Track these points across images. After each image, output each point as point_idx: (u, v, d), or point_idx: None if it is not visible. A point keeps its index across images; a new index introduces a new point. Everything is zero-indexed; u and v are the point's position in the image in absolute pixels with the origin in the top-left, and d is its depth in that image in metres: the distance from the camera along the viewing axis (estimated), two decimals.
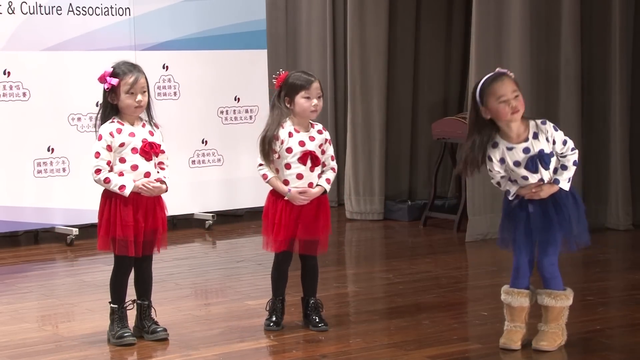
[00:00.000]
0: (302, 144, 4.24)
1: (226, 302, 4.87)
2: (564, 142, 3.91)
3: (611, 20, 6.72)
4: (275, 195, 4.29)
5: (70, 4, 6.60)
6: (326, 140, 4.34)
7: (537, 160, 3.84)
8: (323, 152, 4.32)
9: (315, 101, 4.22)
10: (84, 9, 6.64)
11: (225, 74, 7.16)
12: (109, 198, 4.10)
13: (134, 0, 6.82)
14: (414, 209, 7.36)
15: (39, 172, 6.54)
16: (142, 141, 4.11)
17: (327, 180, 4.36)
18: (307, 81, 4.25)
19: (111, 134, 4.07)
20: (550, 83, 6.62)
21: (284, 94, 4.28)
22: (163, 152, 4.20)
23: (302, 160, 4.23)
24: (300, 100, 4.22)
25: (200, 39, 7.11)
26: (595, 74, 6.78)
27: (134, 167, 4.09)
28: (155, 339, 4.17)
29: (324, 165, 4.35)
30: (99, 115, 4.16)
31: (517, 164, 3.87)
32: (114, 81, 4.05)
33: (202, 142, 7.18)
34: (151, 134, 4.17)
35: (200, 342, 4.23)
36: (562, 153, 3.90)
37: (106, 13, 6.73)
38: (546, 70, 6.60)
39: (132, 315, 4.24)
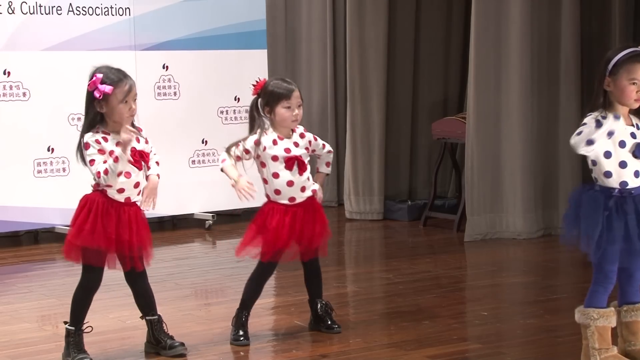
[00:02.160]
0: (287, 150, 4.17)
1: (226, 302, 4.87)
2: None
3: (611, 19, 6.73)
4: (269, 206, 4.19)
5: (70, 4, 6.60)
6: (310, 142, 4.27)
7: None
8: (313, 151, 4.29)
9: (296, 111, 4.17)
10: (84, 8, 6.64)
11: (225, 74, 7.16)
12: (88, 205, 3.87)
13: (134, 0, 6.82)
14: (414, 209, 7.36)
15: (39, 172, 6.54)
16: (131, 150, 3.88)
17: (327, 164, 4.37)
18: (288, 90, 4.16)
19: (97, 142, 3.81)
20: (550, 82, 6.62)
21: (263, 102, 4.20)
22: (149, 153, 3.99)
23: (288, 166, 4.16)
24: (281, 110, 4.15)
25: (200, 39, 7.11)
26: (596, 73, 6.77)
27: (127, 175, 3.86)
28: (174, 354, 4.01)
29: (318, 157, 4.34)
30: (85, 125, 3.87)
31: (622, 144, 3.60)
32: (108, 89, 3.78)
33: (202, 142, 7.18)
34: (137, 140, 3.91)
35: (200, 342, 4.22)
36: None
37: (106, 13, 6.73)
38: (546, 70, 6.60)
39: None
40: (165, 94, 7.02)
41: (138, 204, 3.96)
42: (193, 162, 7.17)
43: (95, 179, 3.87)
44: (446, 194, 7.77)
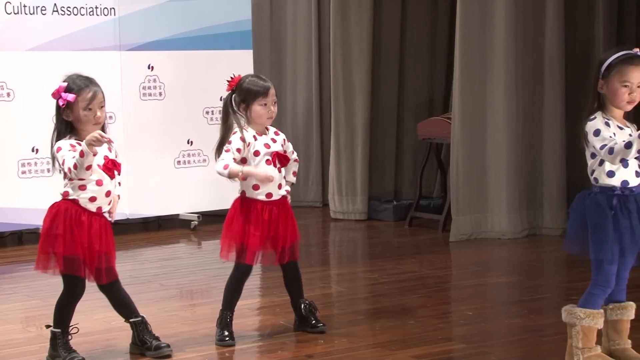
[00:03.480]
0: (267, 146, 4.19)
1: (212, 302, 4.86)
2: None
3: (594, 19, 6.76)
4: (244, 204, 4.21)
5: (55, 4, 6.58)
6: (285, 140, 4.31)
7: None
8: (285, 152, 4.29)
9: (272, 108, 4.18)
10: (68, 9, 6.62)
11: (211, 74, 7.15)
12: (62, 213, 3.84)
13: (119, 0, 6.80)
14: (400, 209, 7.38)
15: (24, 172, 6.52)
16: (104, 158, 3.86)
17: (294, 173, 4.37)
18: (265, 88, 4.17)
19: (72, 145, 3.78)
20: (534, 83, 6.64)
21: (239, 99, 4.20)
22: (120, 165, 3.97)
23: (272, 161, 4.17)
24: (256, 107, 4.16)
25: (186, 39, 7.10)
26: (580, 73, 6.82)
27: (99, 183, 3.85)
28: (159, 355, 4.01)
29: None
30: (54, 135, 3.86)
31: (628, 145, 3.53)
32: (70, 97, 3.76)
33: (188, 143, 7.17)
34: (109, 150, 3.91)
35: (185, 343, 4.22)
36: None
37: (91, 13, 6.71)
38: (531, 71, 6.63)
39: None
40: (150, 95, 7.01)
41: (106, 215, 3.94)
42: (178, 162, 7.16)
43: (68, 176, 3.80)
44: (431, 194, 7.78)
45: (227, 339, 4.18)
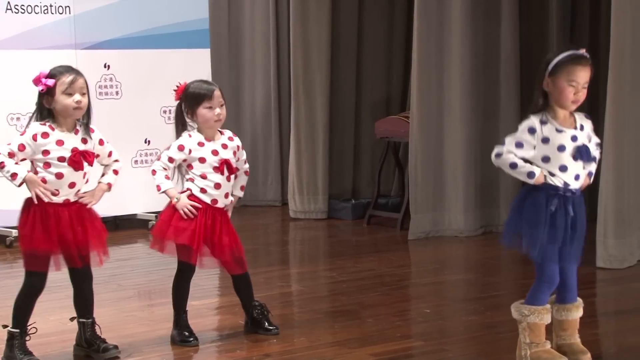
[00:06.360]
0: (215, 152, 4.13)
1: (169, 303, 4.82)
2: (598, 144, 3.77)
3: (549, 20, 6.84)
4: (193, 200, 4.15)
5: (9, 2, 6.49)
6: (238, 147, 4.23)
7: (584, 151, 3.65)
8: (238, 160, 4.24)
9: (217, 110, 4.12)
10: (22, 7, 6.54)
11: (168, 73, 7.09)
12: (28, 207, 3.85)
13: None
14: (358, 208, 7.40)
15: None
16: (72, 150, 3.84)
17: (242, 187, 4.31)
18: (209, 90, 4.13)
19: (34, 137, 3.79)
20: (490, 82, 6.70)
21: (186, 106, 4.17)
22: (97, 156, 4.00)
23: (219, 169, 4.12)
24: (202, 111, 4.11)
25: (143, 38, 7.05)
26: (534, 70, 6.87)
27: (59, 176, 3.82)
28: (108, 357, 3.99)
29: (235, 175, 4.27)
30: (32, 118, 3.88)
31: (562, 148, 3.63)
32: (50, 82, 3.77)
33: (145, 142, 7.13)
34: (84, 142, 3.91)
35: (143, 343, 4.20)
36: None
37: (45, 11, 6.64)
38: (487, 70, 6.69)
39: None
40: (107, 94, 6.95)
41: (80, 200, 3.93)
42: (136, 162, 7.11)
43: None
44: (390, 192, 7.82)
45: (190, 339, 4.17)
